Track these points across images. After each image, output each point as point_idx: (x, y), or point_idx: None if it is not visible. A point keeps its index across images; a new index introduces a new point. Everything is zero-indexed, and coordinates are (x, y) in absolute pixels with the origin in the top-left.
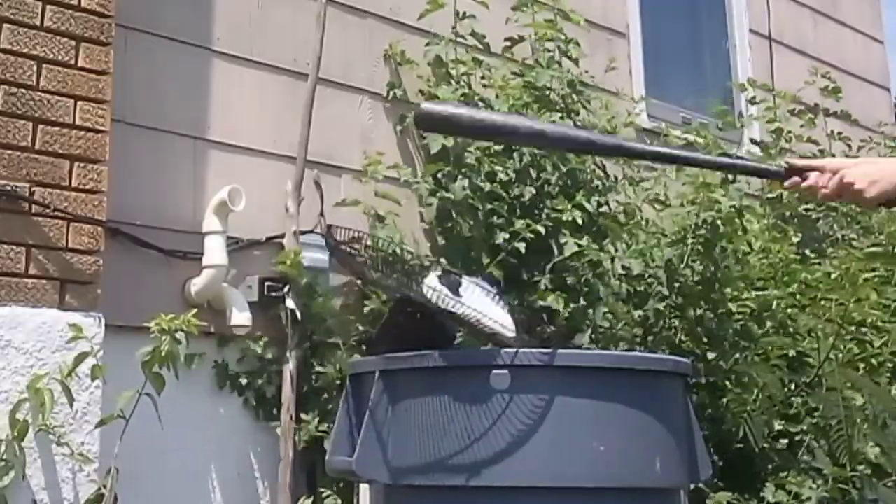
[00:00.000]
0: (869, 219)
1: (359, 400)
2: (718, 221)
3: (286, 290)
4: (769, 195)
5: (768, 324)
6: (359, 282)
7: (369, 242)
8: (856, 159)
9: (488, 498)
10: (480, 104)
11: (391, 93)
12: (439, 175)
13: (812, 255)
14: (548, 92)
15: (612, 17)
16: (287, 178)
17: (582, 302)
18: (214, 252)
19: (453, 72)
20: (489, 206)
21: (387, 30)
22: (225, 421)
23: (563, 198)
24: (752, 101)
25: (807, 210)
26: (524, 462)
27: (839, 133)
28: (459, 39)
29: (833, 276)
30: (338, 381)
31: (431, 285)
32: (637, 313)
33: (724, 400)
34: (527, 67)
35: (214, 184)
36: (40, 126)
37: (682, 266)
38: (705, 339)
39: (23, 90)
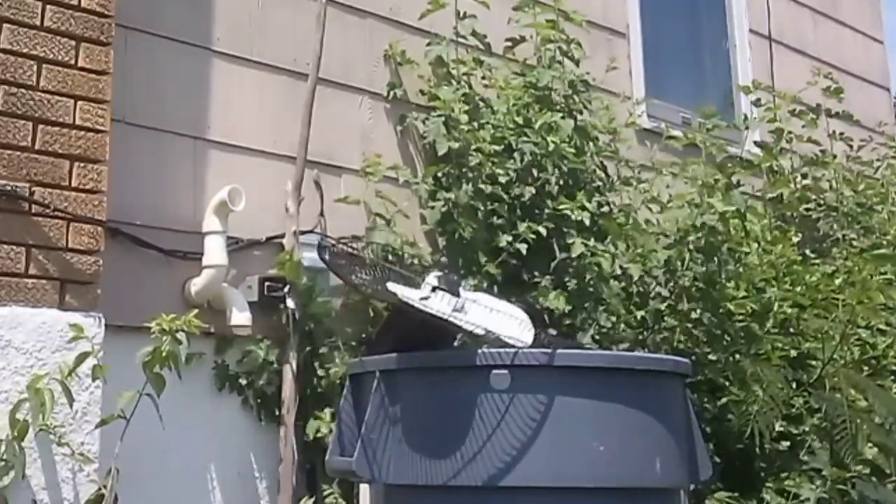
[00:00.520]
0: (870, 219)
1: (359, 400)
2: (718, 224)
3: (286, 290)
4: (770, 195)
5: (769, 324)
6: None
7: (360, 245)
8: None
9: (488, 498)
10: (481, 104)
11: (391, 93)
12: (440, 175)
13: (812, 256)
14: (549, 92)
15: (612, 17)
16: (287, 178)
17: (583, 302)
18: (214, 252)
19: (454, 72)
20: (490, 208)
21: (387, 30)
22: (225, 421)
23: (564, 197)
24: (756, 104)
25: (807, 210)
26: (524, 462)
27: (840, 133)
28: (460, 39)
29: (839, 277)
30: (338, 382)
31: (428, 294)
32: (639, 314)
33: (724, 400)
34: (528, 67)
35: (214, 184)
36: (40, 126)
37: (682, 267)
38: (705, 340)
39: (23, 90)
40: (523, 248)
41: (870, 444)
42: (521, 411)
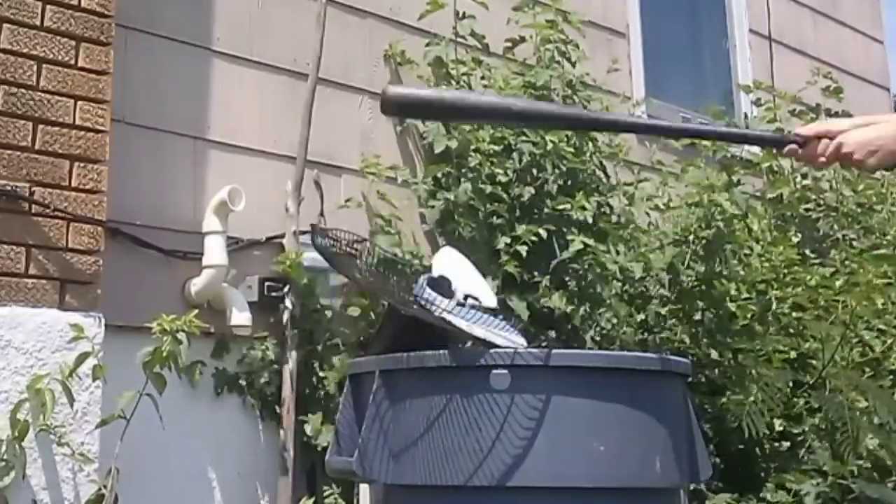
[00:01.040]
0: (869, 219)
1: (359, 400)
2: (722, 224)
3: (286, 290)
4: (770, 195)
5: (770, 324)
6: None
7: (361, 247)
8: (852, 119)
9: (488, 498)
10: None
11: None
12: (439, 175)
13: (812, 256)
14: (548, 92)
15: (612, 17)
16: (287, 178)
17: (584, 302)
18: (214, 252)
19: (453, 72)
20: (490, 209)
21: (387, 30)
22: (225, 421)
23: (563, 197)
24: (757, 104)
25: (807, 210)
26: (524, 462)
27: None
28: (459, 40)
29: (839, 278)
30: (338, 381)
31: (423, 294)
32: (639, 317)
33: (724, 400)
34: (527, 67)
35: (214, 184)
36: (40, 126)
37: (684, 268)
38: (706, 340)
39: (23, 90)
40: (523, 250)
41: (870, 437)
42: (520, 411)
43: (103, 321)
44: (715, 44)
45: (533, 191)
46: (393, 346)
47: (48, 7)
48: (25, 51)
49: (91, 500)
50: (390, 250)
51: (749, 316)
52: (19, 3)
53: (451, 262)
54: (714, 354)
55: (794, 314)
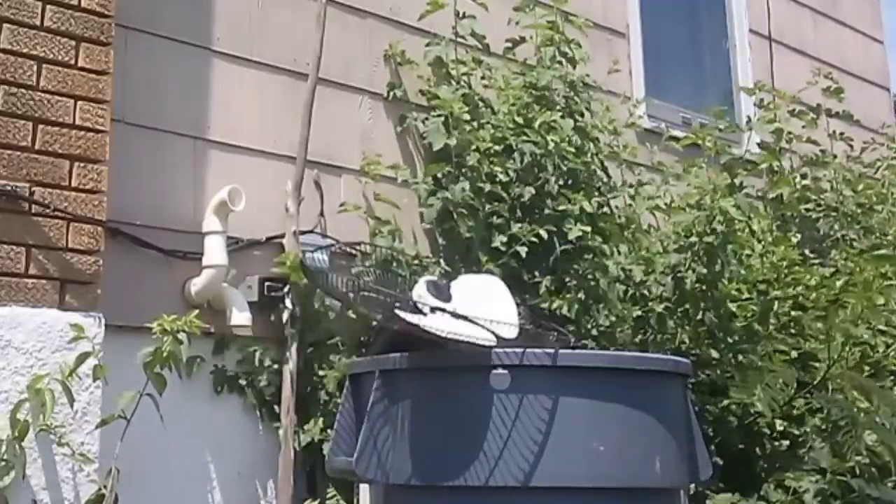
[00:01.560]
0: (869, 219)
1: (358, 400)
2: (724, 228)
3: (286, 290)
4: (770, 195)
5: (771, 325)
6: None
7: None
8: None
9: (487, 498)
10: (481, 104)
11: (391, 93)
12: (439, 175)
13: (812, 256)
14: (549, 92)
15: (612, 17)
16: (287, 178)
17: (585, 302)
18: (214, 252)
19: (454, 72)
20: (490, 209)
21: (387, 30)
22: (225, 421)
23: (563, 198)
24: (759, 105)
25: (807, 210)
26: (523, 462)
27: (840, 133)
28: (459, 40)
29: (839, 279)
30: (337, 381)
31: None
32: (636, 313)
33: (726, 402)
34: (527, 68)
35: (214, 184)
36: (40, 126)
37: (685, 269)
38: (707, 340)
39: (23, 90)
40: (523, 251)
41: (870, 436)
42: (520, 411)
43: (103, 321)
44: (715, 44)
45: (534, 191)
46: (393, 346)
47: (48, 7)
48: (25, 51)
49: (91, 500)
50: (390, 251)
51: (750, 316)
52: (19, 3)
53: (479, 285)
54: (715, 354)
55: (793, 313)
